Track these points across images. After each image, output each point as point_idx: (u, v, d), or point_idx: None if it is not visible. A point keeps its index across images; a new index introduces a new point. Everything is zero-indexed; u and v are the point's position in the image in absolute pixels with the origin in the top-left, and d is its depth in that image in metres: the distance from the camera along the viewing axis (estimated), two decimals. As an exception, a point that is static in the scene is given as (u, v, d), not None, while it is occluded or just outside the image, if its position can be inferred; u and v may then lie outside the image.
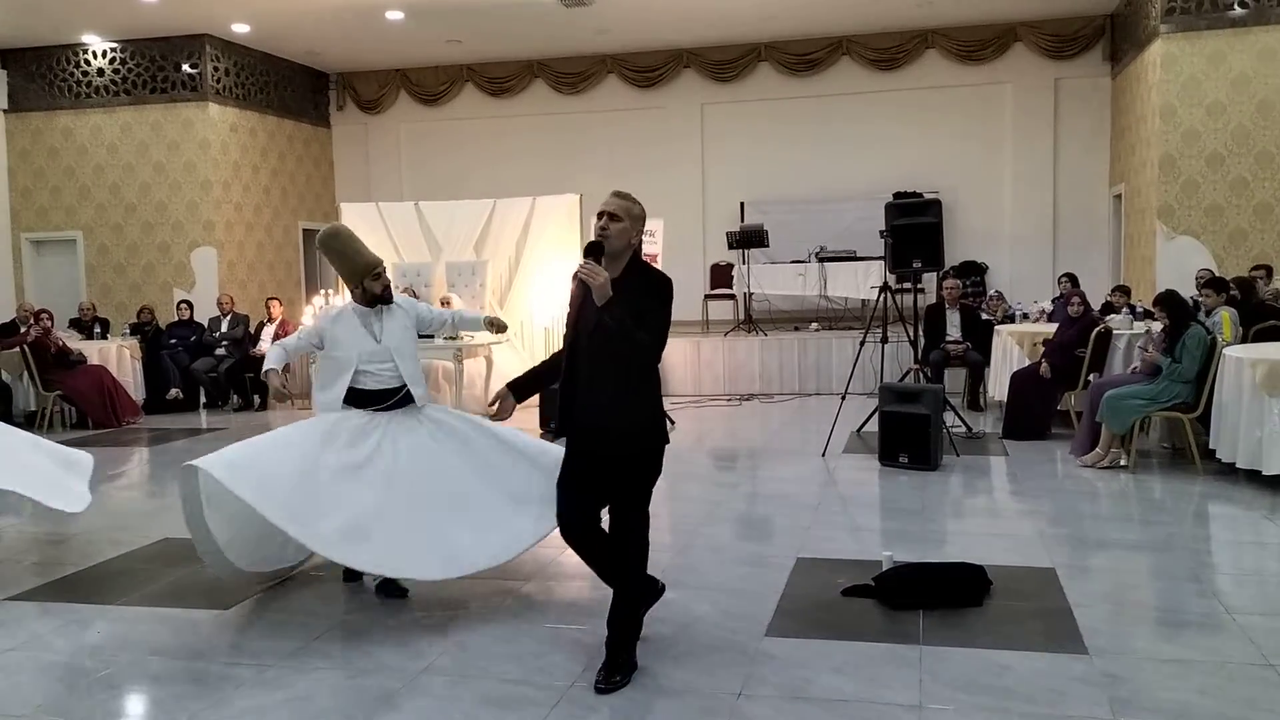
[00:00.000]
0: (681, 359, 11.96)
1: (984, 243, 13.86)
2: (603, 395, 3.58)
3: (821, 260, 12.54)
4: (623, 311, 3.45)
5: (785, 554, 5.21)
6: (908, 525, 5.86)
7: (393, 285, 4.84)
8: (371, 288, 4.61)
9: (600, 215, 3.60)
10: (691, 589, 4.70)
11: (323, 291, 12.29)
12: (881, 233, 8.12)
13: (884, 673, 3.70)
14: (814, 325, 12.60)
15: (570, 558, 5.31)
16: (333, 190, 15.71)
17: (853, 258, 12.62)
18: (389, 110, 15.67)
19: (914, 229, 7.89)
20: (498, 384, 10.66)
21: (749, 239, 12.46)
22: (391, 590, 4.67)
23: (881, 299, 8.27)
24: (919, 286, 9.03)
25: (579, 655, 3.95)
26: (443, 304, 10.67)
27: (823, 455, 7.82)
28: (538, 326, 11.71)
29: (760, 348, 11.91)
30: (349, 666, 3.90)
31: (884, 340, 8.37)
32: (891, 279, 8.55)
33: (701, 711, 3.42)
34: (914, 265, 7.97)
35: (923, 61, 14.01)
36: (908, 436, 7.24)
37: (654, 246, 11.66)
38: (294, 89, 14.97)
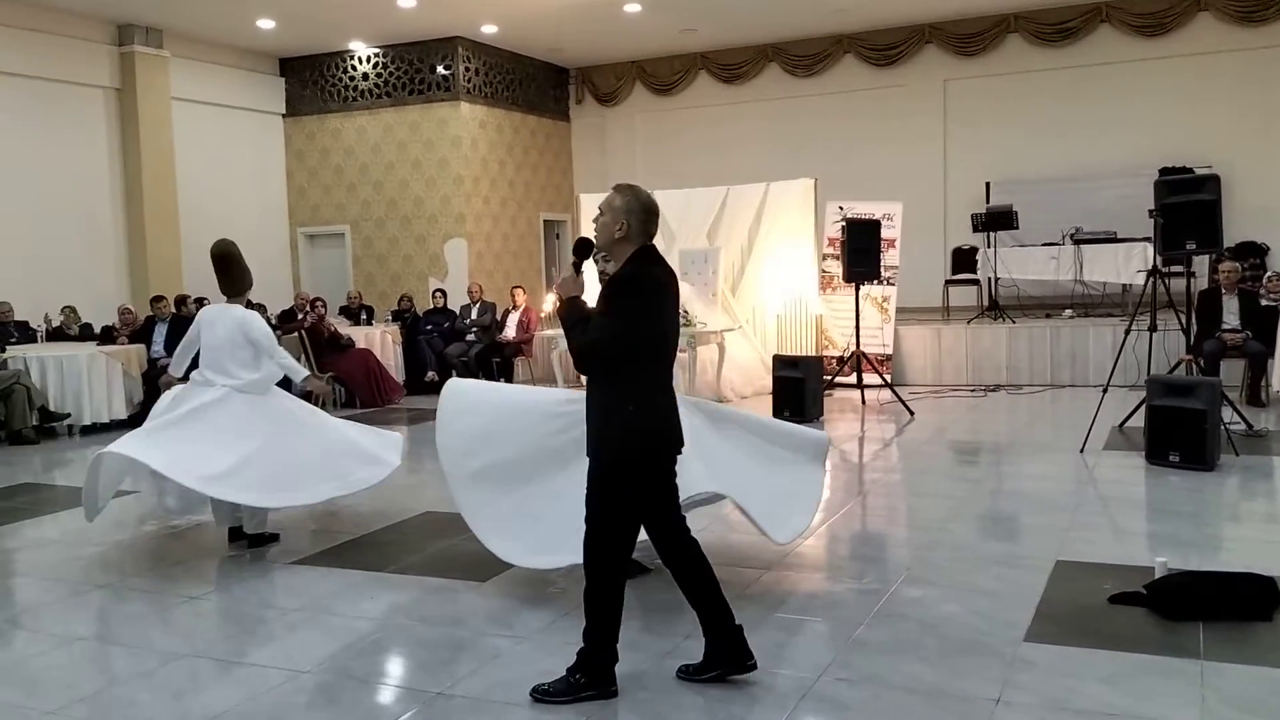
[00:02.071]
0: (920, 347, 11.56)
1: (1264, 222, 12.55)
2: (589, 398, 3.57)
3: (1077, 242, 11.74)
4: (572, 313, 3.46)
5: (1040, 556, 4.92)
6: (1179, 529, 5.40)
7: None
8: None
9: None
10: (938, 587, 4.53)
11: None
12: (1150, 212, 7.49)
13: (1158, 687, 3.42)
14: (1067, 312, 11.84)
15: (809, 548, 5.27)
16: (571, 182, 16.23)
17: (1112, 239, 11.75)
18: (624, 102, 16.00)
19: (1188, 207, 7.24)
20: (730, 372, 10.81)
21: (996, 221, 11.86)
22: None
23: (1149, 283, 7.65)
24: (1191, 270, 8.29)
25: (821, 648, 3.89)
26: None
27: (1081, 451, 7.33)
28: (769, 313, 11.65)
29: (1007, 336, 11.32)
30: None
31: (1152, 328, 7.74)
32: (1160, 262, 7.89)
33: (958, 716, 3.28)
34: (1187, 247, 7.32)
35: (1194, 25, 12.86)
36: (1180, 433, 6.66)
37: (892, 231, 11.31)
38: (536, 85, 15.56)
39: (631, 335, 3.40)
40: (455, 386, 4.84)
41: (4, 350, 9.65)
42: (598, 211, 3.54)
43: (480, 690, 3.59)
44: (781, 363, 9.69)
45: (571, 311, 3.49)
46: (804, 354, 10.74)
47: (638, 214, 3.47)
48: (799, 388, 9.31)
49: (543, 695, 3.47)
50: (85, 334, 11.01)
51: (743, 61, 15.10)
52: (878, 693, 3.47)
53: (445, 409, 4.67)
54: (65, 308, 11.15)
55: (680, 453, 3.60)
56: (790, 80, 14.94)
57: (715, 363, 10.71)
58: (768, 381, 10.36)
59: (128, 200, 12.73)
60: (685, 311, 10.49)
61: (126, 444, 5.10)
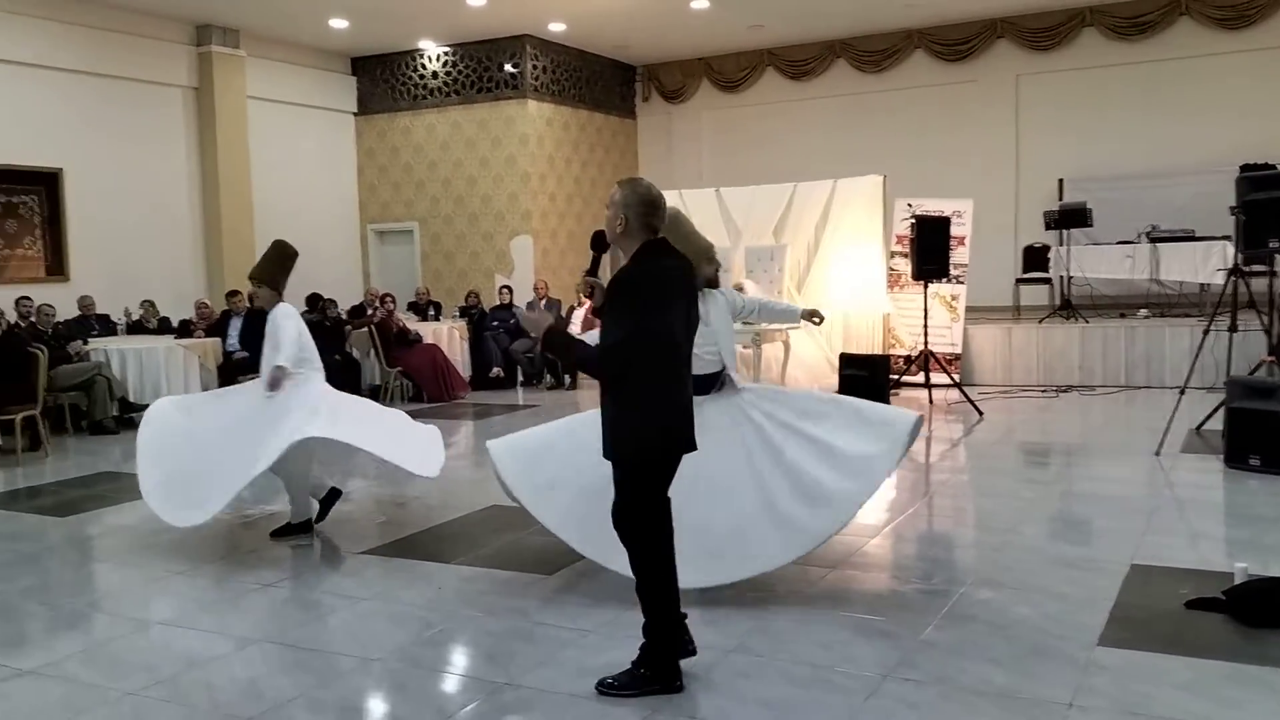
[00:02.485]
0: (990, 346, 11.37)
1: (1354, 219, 12.09)
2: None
3: (1153, 240, 11.45)
4: (555, 341, 3.48)
5: (1114, 559, 4.81)
6: (1261, 535, 5.24)
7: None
8: (706, 270, 4.68)
9: None
10: (1008, 589, 4.45)
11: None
12: (1231, 209, 7.28)
13: (1239, 696, 3.32)
14: (1143, 311, 11.55)
15: (875, 548, 5.22)
16: (637, 179, 16.25)
17: (1190, 237, 11.42)
18: (691, 99, 15.98)
19: (1271, 204, 7.00)
20: (795, 369, 10.75)
21: (1069, 218, 11.61)
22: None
23: (1230, 282, 7.43)
24: (1274, 269, 8.03)
25: (887, 648, 3.85)
26: (736, 290, 10.75)
27: (1156, 454, 7.15)
28: (836, 311, 11.55)
29: (1080, 336, 11.08)
30: (661, 639, 4.02)
31: (1232, 329, 7.51)
32: (1242, 260, 7.65)
33: None
34: (1270, 245, 7.09)
35: (1278, 17, 12.44)
36: (1262, 436, 6.46)
37: (962, 228, 11.14)
38: (603, 83, 15.62)
39: (638, 335, 3.31)
40: (496, 450, 4.81)
41: (86, 343, 9.96)
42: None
43: (545, 682, 3.62)
44: (848, 361, 9.62)
45: (553, 341, 3.47)
46: (871, 353, 10.64)
47: (635, 207, 3.42)
48: (865, 386, 9.19)
49: (608, 689, 3.48)
50: (163, 327, 11.32)
51: (810, 58, 14.99)
52: (946, 694, 3.43)
53: (502, 470, 4.70)
54: (144, 302, 11.48)
55: (692, 451, 3.53)
56: (859, 76, 14.79)
57: (780, 360, 10.65)
58: (834, 380, 10.27)
59: (205, 197, 13.05)
60: (750, 309, 10.49)
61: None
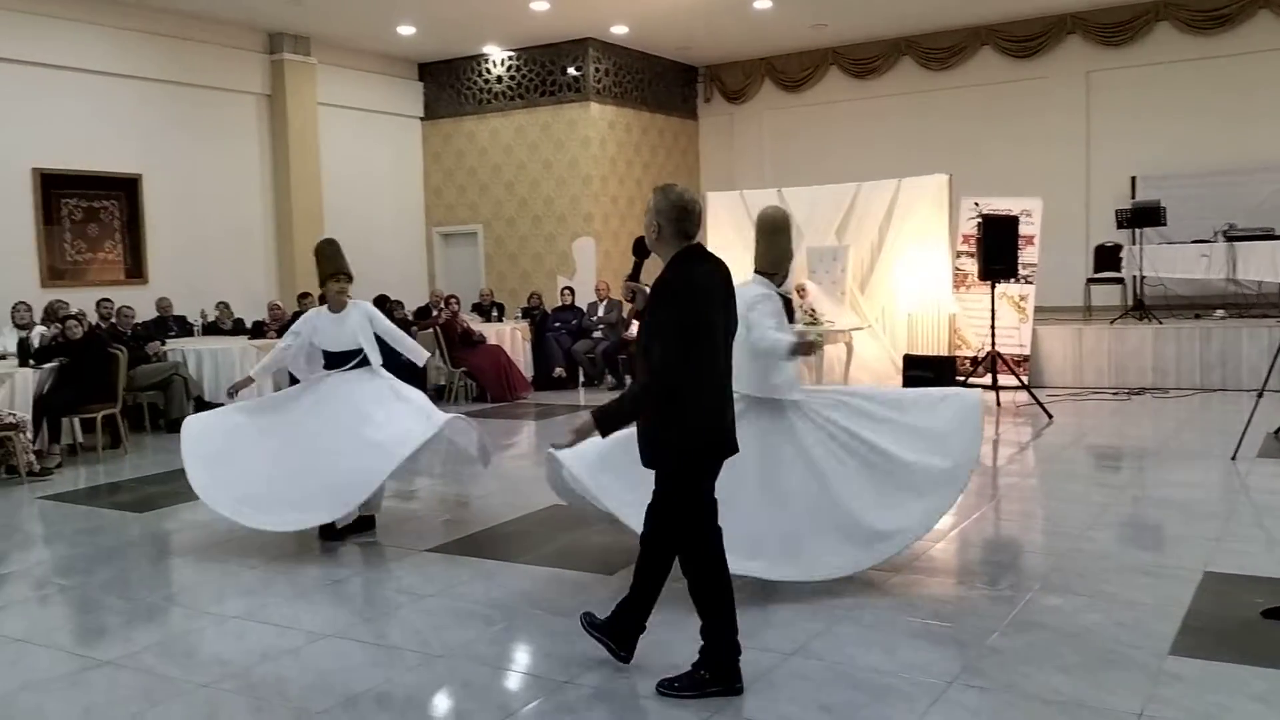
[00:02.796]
0: (1060, 348, 11.15)
1: None
2: None
3: (1230, 239, 11.12)
4: (610, 418, 3.46)
5: (1188, 566, 4.69)
6: (1344, 544, 5.08)
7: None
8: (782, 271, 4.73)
9: None
10: (1078, 596, 4.37)
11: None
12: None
13: (1319, 711, 3.23)
14: (1219, 312, 11.23)
15: (940, 552, 5.16)
16: (698, 181, 16.24)
17: (1269, 236, 11.08)
18: (753, 99, 15.93)
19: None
20: (858, 372, 10.66)
21: (1142, 217, 11.34)
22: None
23: (1311, 283, 7.21)
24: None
25: (952, 654, 3.80)
26: (798, 291, 10.70)
27: (1233, 459, 6.95)
28: (900, 313, 11.43)
29: (1154, 337, 10.81)
30: (722, 641, 4.02)
31: (1312, 330, 7.29)
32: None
33: (1095, 729, 3.18)
34: (1355, 243, 6.86)
35: (1367, 6, 12.03)
36: (1344, 442, 6.25)
37: (1031, 227, 10.95)
38: (665, 84, 15.64)
39: (684, 348, 3.33)
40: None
41: (164, 343, 10.25)
42: None
43: (606, 681, 3.65)
44: (912, 362, 9.51)
45: (608, 419, 3.45)
46: (936, 354, 10.50)
47: (667, 214, 3.44)
48: (930, 388, 9.10)
49: (669, 689, 3.50)
50: (237, 328, 11.61)
51: (875, 56, 14.84)
52: (1012, 701, 3.38)
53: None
54: (219, 303, 11.78)
55: (734, 454, 3.56)
56: (924, 74, 14.61)
57: (843, 361, 10.57)
58: (897, 381, 10.17)
59: (277, 201, 13.35)
60: (812, 310, 10.41)
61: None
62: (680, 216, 3.45)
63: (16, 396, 8.01)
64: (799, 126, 15.58)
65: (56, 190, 11.11)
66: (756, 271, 4.60)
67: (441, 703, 3.62)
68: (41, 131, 10.90)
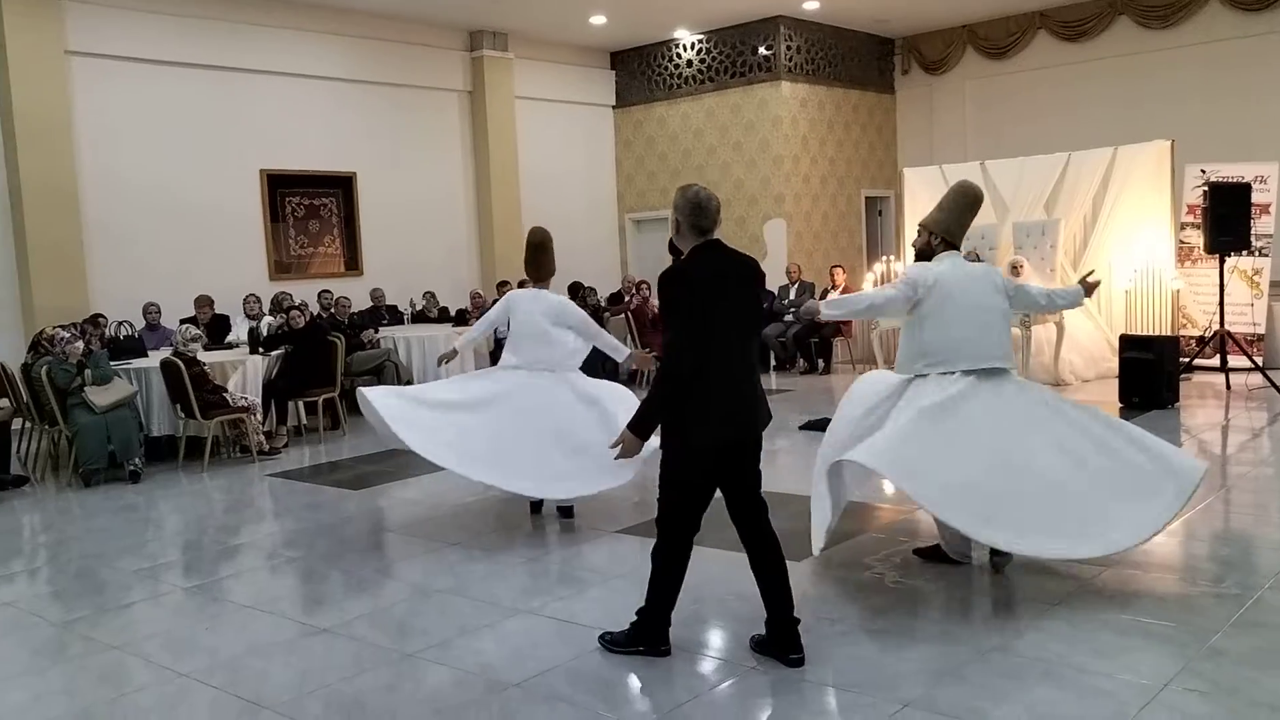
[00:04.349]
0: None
1: None
2: None
3: None
4: (646, 420, 3.68)
5: None
6: None
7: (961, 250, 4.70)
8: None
9: None
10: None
11: (884, 258, 12.40)
12: None
13: None
14: None
15: (1154, 547, 4.80)
16: (895, 157, 15.75)
17: None
18: (954, 70, 15.27)
19: None
20: (1070, 354, 10.07)
21: (1400, 179, 10.17)
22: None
23: None
24: None
25: (1168, 654, 3.54)
26: (1013, 269, 10.20)
27: None
28: (1116, 289, 10.71)
29: None
30: (914, 632, 3.89)
31: None
32: None
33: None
34: None
35: None
36: None
37: (1266, 195, 10.02)
38: (859, 59, 15.23)
39: (687, 336, 3.48)
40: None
41: (377, 331, 10.87)
42: None
43: (794, 670, 3.60)
44: (1130, 343, 8.90)
45: (640, 422, 3.64)
46: (1157, 333, 9.79)
47: (684, 210, 3.64)
48: (1150, 371, 8.51)
49: (608, 643, 3.84)
50: (443, 316, 12.18)
51: (1088, 17, 13.92)
52: (1235, 708, 3.11)
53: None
54: (426, 293, 12.40)
55: (749, 440, 3.63)
56: (1143, 34, 13.57)
57: (1053, 343, 10.02)
58: (1113, 364, 9.55)
59: (478, 193, 13.91)
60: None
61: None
62: (695, 213, 3.63)
63: (248, 382, 8.70)
64: (1003, 96, 14.82)
65: (281, 190, 11.97)
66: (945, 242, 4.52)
67: (630, 681, 3.67)
68: (267, 135, 11.77)
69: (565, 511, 5.92)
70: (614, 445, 3.73)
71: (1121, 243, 10.67)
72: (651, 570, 3.76)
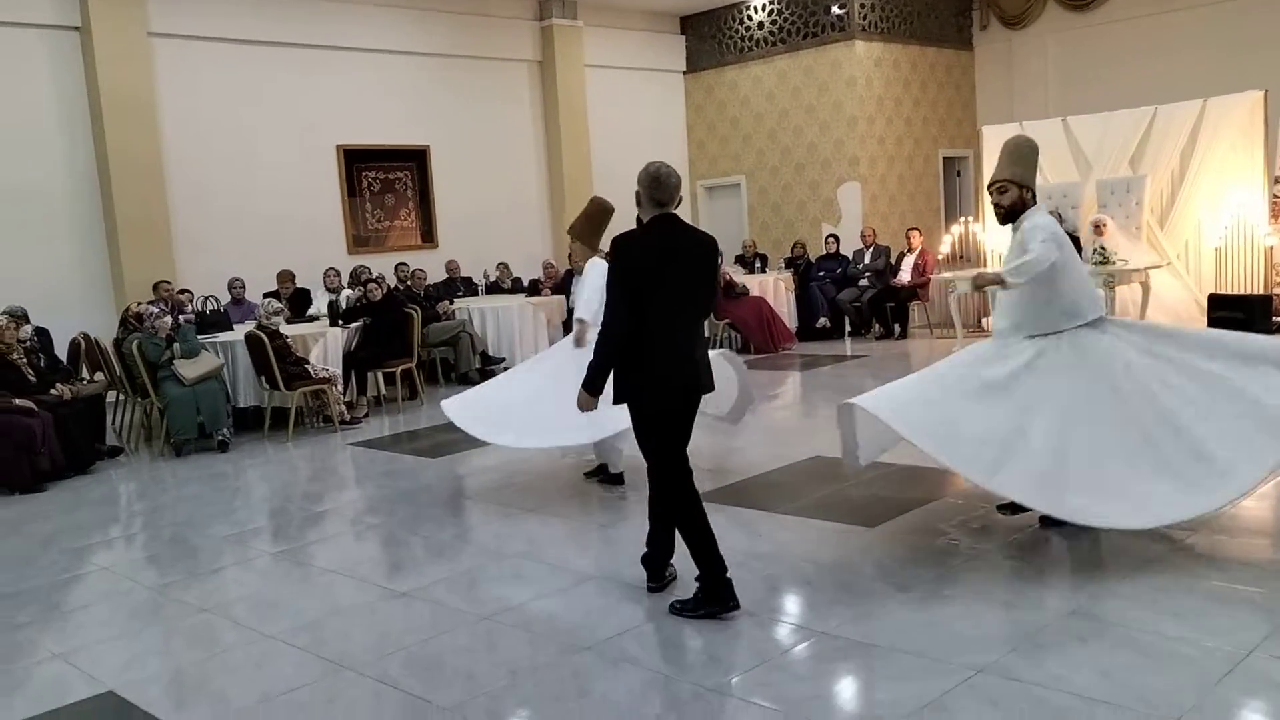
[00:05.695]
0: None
1: None
2: None
3: None
4: (594, 378, 3.89)
5: None
6: None
7: (1040, 206, 4.59)
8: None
9: None
10: None
11: (962, 219, 12.15)
12: None
13: None
14: None
15: (1244, 510, 4.66)
16: (974, 114, 15.35)
17: None
18: (1035, 23, 14.78)
19: None
20: (1156, 313, 9.76)
21: None
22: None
23: None
24: None
25: (1255, 620, 3.44)
26: (1095, 228, 9.92)
27: None
28: (1206, 247, 10.34)
29: None
30: (989, 598, 3.85)
31: None
32: None
33: None
34: None
35: None
36: None
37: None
38: (935, 15, 14.84)
39: (620, 302, 3.71)
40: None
41: (452, 303, 11.03)
42: None
43: (864, 634, 3.60)
44: (1219, 302, 8.60)
45: (589, 380, 3.85)
46: (1249, 292, 9.44)
47: (644, 183, 3.83)
48: (1241, 330, 8.19)
49: (680, 610, 3.87)
50: (516, 287, 12.29)
51: (1175, -37, 13.35)
52: (1327, 680, 3.01)
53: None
54: (500, 264, 12.51)
55: (700, 396, 3.86)
56: (1236, -22, 12.98)
57: (1138, 304, 9.72)
58: (1202, 324, 9.24)
59: (549, 163, 13.95)
60: (1102, 248, 9.59)
61: None
62: (654, 186, 3.81)
63: (329, 353, 8.91)
64: (1087, 49, 14.32)
65: (358, 164, 12.16)
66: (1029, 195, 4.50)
67: (699, 645, 3.69)
68: (343, 111, 11.94)
69: (614, 479, 5.96)
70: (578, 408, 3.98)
71: (1210, 199, 10.29)
72: (681, 536, 3.92)
